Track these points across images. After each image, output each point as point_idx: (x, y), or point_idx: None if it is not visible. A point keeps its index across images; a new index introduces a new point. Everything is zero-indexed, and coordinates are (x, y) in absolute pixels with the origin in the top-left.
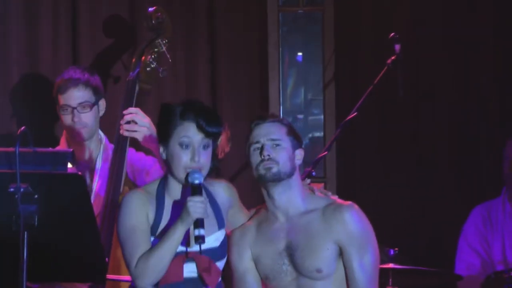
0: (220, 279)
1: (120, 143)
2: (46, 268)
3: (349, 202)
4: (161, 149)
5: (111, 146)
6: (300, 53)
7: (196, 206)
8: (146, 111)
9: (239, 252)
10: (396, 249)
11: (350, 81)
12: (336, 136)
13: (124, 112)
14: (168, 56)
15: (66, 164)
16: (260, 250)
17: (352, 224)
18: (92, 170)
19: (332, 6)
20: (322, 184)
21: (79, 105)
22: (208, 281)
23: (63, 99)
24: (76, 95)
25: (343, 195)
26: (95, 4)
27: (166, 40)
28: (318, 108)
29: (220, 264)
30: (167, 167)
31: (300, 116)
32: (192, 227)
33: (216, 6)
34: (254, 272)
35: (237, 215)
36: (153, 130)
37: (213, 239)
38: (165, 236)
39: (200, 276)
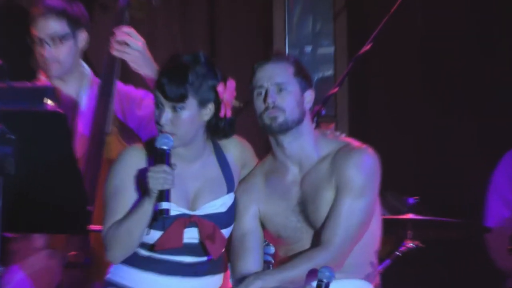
0: (223, 249)
1: (109, 71)
2: (23, 218)
3: (363, 146)
4: None
5: (98, 81)
6: None
7: (157, 177)
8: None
9: (240, 209)
10: (416, 197)
11: (364, 9)
12: (348, 71)
13: (116, 30)
14: None
15: (46, 101)
16: (269, 207)
17: (355, 168)
18: (75, 108)
19: None
20: (333, 124)
21: (49, 37)
22: (211, 250)
23: (35, 29)
24: (46, 26)
25: (355, 137)
26: None
27: None
28: (328, 39)
29: (226, 232)
30: None
31: (308, 49)
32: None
33: None
34: (256, 234)
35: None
36: (147, 55)
37: (220, 204)
38: (133, 208)
39: (202, 243)
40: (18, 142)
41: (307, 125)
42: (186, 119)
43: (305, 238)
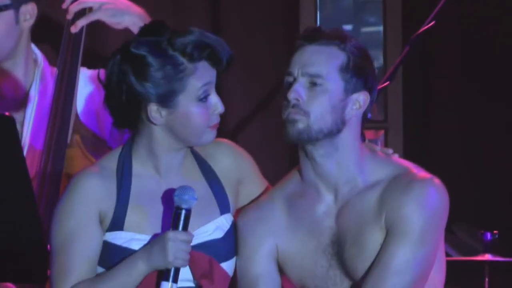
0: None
1: (70, 53)
2: None
3: (427, 175)
4: (156, 112)
5: (54, 70)
6: None
7: (180, 248)
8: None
9: (252, 245)
10: (495, 232)
11: None
12: (402, 58)
13: None
14: None
15: None
16: (292, 245)
17: (415, 206)
18: (20, 109)
19: None
20: (382, 132)
21: None
22: None
23: None
24: None
25: (412, 150)
26: None
27: None
28: (375, 14)
29: (227, 267)
30: (165, 133)
31: (348, 27)
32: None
33: None
34: (272, 280)
35: (253, 190)
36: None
37: (213, 228)
38: (117, 270)
39: (197, 285)
40: None
41: (349, 138)
42: None
43: (330, 284)
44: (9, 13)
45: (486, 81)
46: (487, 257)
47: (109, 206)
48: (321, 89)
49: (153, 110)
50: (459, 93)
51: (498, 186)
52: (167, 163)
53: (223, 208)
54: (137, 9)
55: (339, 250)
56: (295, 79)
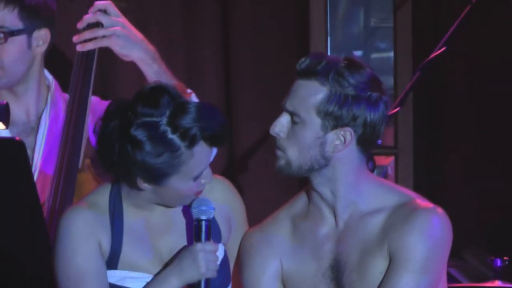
0: None
1: (81, 79)
2: None
3: (431, 205)
4: (143, 184)
5: (66, 97)
6: None
7: (210, 259)
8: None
9: (259, 267)
10: (506, 258)
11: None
12: (413, 84)
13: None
14: None
15: None
16: (296, 267)
17: (418, 235)
18: (31, 134)
19: None
20: (391, 158)
21: None
22: None
23: None
24: None
25: (422, 176)
26: None
27: None
28: (386, 40)
29: None
30: (153, 193)
31: (358, 53)
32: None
33: None
34: None
35: (235, 239)
36: (133, 32)
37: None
38: (151, 286)
39: None
40: None
41: (341, 171)
42: None
43: None
44: (22, 38)
45: (497, 107)
46: (497, 283)
47: (106, 242)
48: (298, 127)
49: (141, 183)
50: (469, 119)
51: (509, 212)
52: (152, 206)
53: (216, 237)
54: (148, 46)
55: (338, 275)
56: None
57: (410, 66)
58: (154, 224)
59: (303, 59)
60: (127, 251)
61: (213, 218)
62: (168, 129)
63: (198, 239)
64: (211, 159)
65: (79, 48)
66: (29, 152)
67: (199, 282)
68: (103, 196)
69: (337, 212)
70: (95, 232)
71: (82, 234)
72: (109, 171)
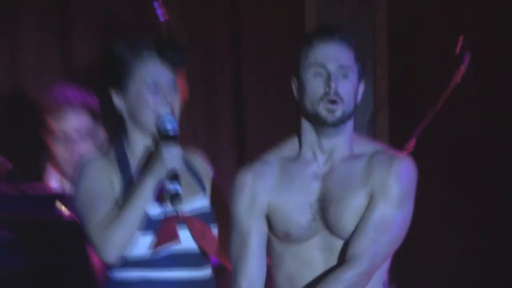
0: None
1: None
2: None
3: (403, 154)
4: (116, 97)
5: None
6: None
7: (172, 153)
8: None
9: (249, 201)
10: None
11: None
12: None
13: None
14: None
15: (59, 208)
16: (283, 200)
17: (395, 176)
18: None
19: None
20: None
21: (76, 131)
22: (206, 247)
23: (56, 123)
24: (72, 120)
25: None
26: (92, 8)
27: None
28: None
29: (214, 230)
30: (130, 119)
31: None
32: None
33: None
34: (261, 232)
35: (214, 198)
36: None
37: (200, 204)
38: (132, 194)
39: (196, 243)
40: (26, 251)
41: (352, 121)
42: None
43: (315, 239)
44: (94, 134)
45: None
46: None
47: (116, 182)
48: (348, 80)
49: (114, 96)
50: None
51: None
52: (145, 149)
53: (202, 188)
54: None
55: (324, 205)
56: (329, 73)
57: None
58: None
59: (327, 27)
60: None
61: (199, 173)
62: (126, 43)
63: (164, 142)
64: (165, 76)
65: None
66: None
67: (168, 177)
68: (109, 152)
69: (332, 154)
70: (107, 171)
71: (98, 170)
72: (116, 130)
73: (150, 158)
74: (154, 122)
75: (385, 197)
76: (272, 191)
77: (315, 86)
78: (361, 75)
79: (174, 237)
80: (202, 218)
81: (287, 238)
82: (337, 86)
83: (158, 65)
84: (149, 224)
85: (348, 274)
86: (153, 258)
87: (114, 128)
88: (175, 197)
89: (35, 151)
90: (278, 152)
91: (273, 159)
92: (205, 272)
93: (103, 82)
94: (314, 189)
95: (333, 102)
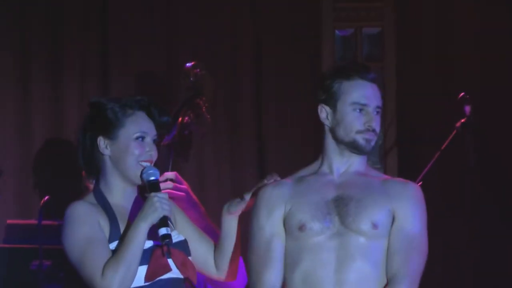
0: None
1: None
2: None
3: (410, 181)
4: (103, 144)
5: None
6: None
7: (163, 201)
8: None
9: (268, 210)
10: None
11: (412, 146)
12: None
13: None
14: (208, 117)
15: None
16: (298, 200)
17: (412, 200)
18: None
19: (394, 62)
20: None
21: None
22: (189, 276)
23: None
24: None
25: None
26: (127, 59)
27: (206, 99)
28: None
29: (191, 260)
30: (113, 164)
31: None
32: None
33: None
34: (281, 239)
35: (189, 231)
36: (191, 196)
37: (176, 234)
38: (127, 239)
39: (180, 272)
40: (68, 280)
41: None
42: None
43: (329, 238)
44: None
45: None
46: None
47: (104, 222)
48: (380, 116)
49: (101, 142)
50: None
51: None
52: (122, 193)
53: (171, 222)
54: (201, 207)
55: (342, 203)
56: (368, 111)
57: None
58: (128, 209)
59: (364, 67)
60: (122, 227)
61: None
62: (118, 101)
63: (152, 191)
64: (151, 132)
65: None
66: None
67: (160, 221)
68: (89, 197)
69: (347, 171)
70: (93, 213)
71: (85, 213)
72: (89, 169)
73: (141, 205)
74: (135, 171)
75: (408, 219)
76: (289, 197)
77: (354, 119)
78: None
79: (167, 269)
80: (182, 248)
81: (301, 231)
82: (376, 126)
83: (146, 122)
84: (143, 258)
85: None
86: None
87: (90, 170)
88: (166, 237)
89: (72, 190)
90: (298, 172)
91: (293, 177)
92: None
93: (90, 130)
94: (330, 192)
95: (372, 133)
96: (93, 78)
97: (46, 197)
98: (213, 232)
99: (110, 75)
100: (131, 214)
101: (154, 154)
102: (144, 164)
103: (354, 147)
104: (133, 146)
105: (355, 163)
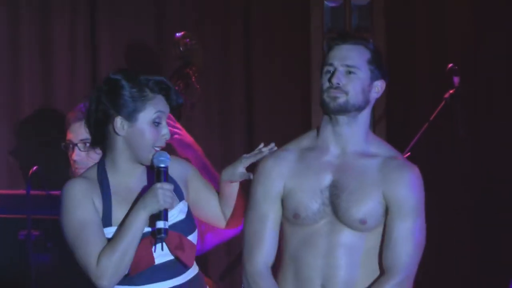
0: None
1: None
2: None
3: (413, 164)
4: (120, 124)
5: None
6: None
7: (166, 194)
8: None
9: (267, 184)
10: None
11: (402, 116)
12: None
13: None
14: (198, 87)
15: None
16: (297, 182)
17: (407, 188)
18: None
19: (383, 33)
20: None
21: (81, 141)
22: (184, 259)
23: (69, 133)
24: (80, 131)
25: None
26: (117, 29)
27: (195, 69)
28: None
29: (193, 238)
30: (125, 145)
31: None
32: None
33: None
34: (277, 214)
35: (198, 185)
36: (186, 136)
37: (177, 212)
38: (125, 226)
39: (174, 256)
40: (56, 249)
41: (366, 115)
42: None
43: (321, 224)
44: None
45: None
46: None
47: (98, 203)
48: (355, 76)
49: (118, 122)
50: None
51: None
52: (128, 171)
53: (179, 196)
54: (197, 147)
55: (335, 192)
56: (335, 69)
57: None
58: (132, 188)
59: (343, 32)
60: (117, 210)
61: (175, 182)
62: (138, 78)
63: (158, 181)
64: (165, 116)
65: None
66: None
67: (160, 213)
68: (92, 171)
69: (347, 146)
70: (89, 194)
71: (79, 194)
72: (96, 140)
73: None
74: (148, 154)
75: (403, 209)
76: (288, 175)
77: (323, 80)
78: (376, 76)
79: (151, 262)
80: (180, 228)
81: (296, 219)
82: (340, 80)
83: (165, 106)
84: None
85: (389, 285)
86: (135, 275)
87: (96, 141)
88: (161, 232)
89: (60, 160)
90: (298, 142)
91: (293, 148)
92: (188, 274)
93: (105, 104)
94: (326, 177)
95: (335, 91)
96: (84, 49)
97: (35, 167)
98: (216, 180)
99: (100, 45)
100: (143, 191)
101: (168, 136)
102: (157, 149)
103: (323, 108)
104: (149, 131)
105: (350, 137)
